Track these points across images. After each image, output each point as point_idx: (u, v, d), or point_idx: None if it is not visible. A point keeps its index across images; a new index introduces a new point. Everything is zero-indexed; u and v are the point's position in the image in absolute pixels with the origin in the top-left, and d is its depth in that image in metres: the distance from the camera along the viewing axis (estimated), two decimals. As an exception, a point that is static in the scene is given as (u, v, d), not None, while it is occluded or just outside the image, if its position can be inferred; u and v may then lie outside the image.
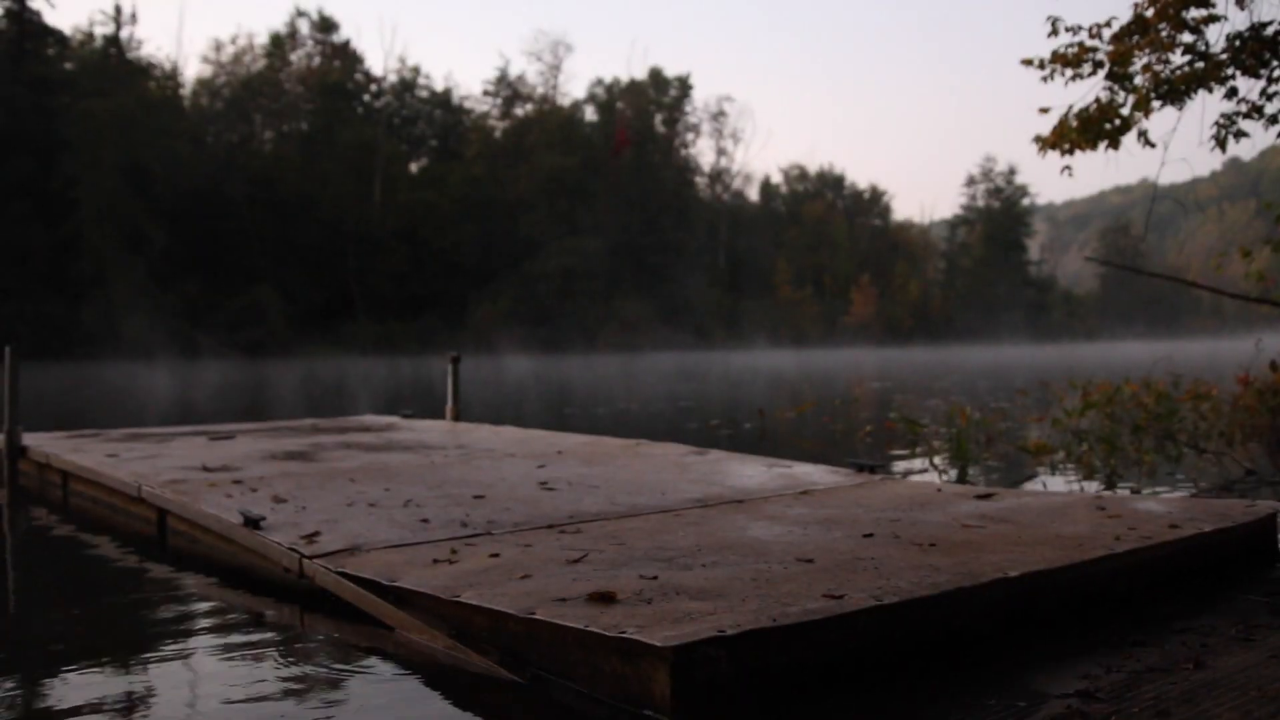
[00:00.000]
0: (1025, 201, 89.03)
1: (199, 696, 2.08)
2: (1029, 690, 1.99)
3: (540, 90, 71.74)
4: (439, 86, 71.19)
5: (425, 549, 2.84)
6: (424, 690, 2.13)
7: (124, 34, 53.89)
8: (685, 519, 3.28)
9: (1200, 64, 6.04)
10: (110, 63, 52.11)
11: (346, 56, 63.22)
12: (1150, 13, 5.98)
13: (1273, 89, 6.03)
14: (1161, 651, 2.18)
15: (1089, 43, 6.20)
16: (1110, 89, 6.26)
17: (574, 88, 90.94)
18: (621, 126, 71.94)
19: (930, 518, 3.20)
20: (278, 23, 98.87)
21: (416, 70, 68.20)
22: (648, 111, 75.01)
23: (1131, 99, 6.21)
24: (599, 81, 75.62)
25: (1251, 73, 6.01)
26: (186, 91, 59.08)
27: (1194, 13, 5.97)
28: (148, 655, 2.40)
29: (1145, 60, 6.11)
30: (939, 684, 2.04)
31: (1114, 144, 6.30)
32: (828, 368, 29.98)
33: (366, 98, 64.39)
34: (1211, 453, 6.01)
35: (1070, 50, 6.22)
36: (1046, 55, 6.31)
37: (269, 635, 2.58)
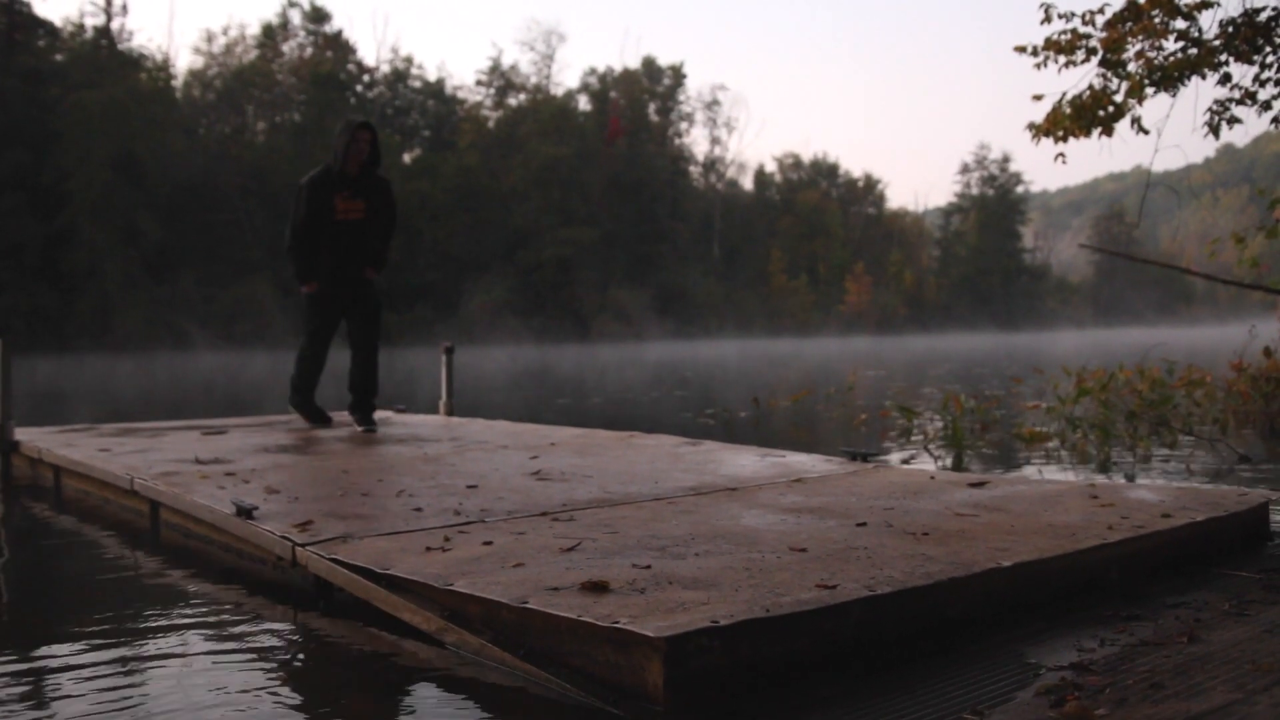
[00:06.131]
0: (1019, 189, 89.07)
1: (191, 687, 2.07)
2: (1024, 663, 2.01)
3: (533, 80, 71.63)
4: (432, 77, 71.15)
5: (418, 537, 2.84)
6: (417, 681, 2.13)
7: (115, 25, 53.59)
8: (678, 507, 3.27)
9: (1194, 50, 6.03)
10: (101, 54, 51.79)
11: (339, 47, 62.97)
12: (1143, -1, 5.97)
13: (1266, 75, 6.02)
14: (1155, 626, 2.20)
15: (1082, 29, 6.18)
16: (1104, 76, 6.25)
17: (567, 77, 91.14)
18: (615, 116, 71.79)
19: (923, 506, 3.19)
20: (269, 13, 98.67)
21: (409, 60, 68.07)
22: (641, 101, 74.85)
23: (1125, 86, 6.20)
24: (592, 71, 75.45)
25: (1245, 59, 6.00)
26: (178, 83, 58.85)
27: (1187, -2, 5.96)
28: (141, 647, 2.39)
29: (1139, 47, 6.10)
30: (934, 662, 2.05)
31: (1107, 131, 6.29)
32: (822, 356, 30.00)
33: (359, 88, 64.17)
34: (1205, 439, 6.01)
35: (1063, 37, 6.20)
36: (1040, 42, 6.29)
37: (262, 625, 2.58)
